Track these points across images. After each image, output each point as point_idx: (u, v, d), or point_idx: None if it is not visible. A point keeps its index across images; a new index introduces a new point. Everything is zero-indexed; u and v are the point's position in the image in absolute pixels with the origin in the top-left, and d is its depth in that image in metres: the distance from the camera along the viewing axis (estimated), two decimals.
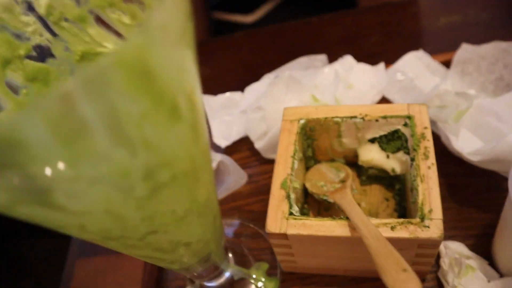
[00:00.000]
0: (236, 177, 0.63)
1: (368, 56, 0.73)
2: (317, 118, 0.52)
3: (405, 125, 0.49)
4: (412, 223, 0.41)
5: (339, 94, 0.64)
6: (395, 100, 0.67)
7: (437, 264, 0.50)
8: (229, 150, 0.69)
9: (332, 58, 0.74)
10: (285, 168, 0.48)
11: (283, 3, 1.92)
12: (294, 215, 0.44)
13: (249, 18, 1.87)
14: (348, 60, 0.70)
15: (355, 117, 0.50)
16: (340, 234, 0.42)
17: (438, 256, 0.50)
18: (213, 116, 0.70)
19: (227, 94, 0.73)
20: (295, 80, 0.60)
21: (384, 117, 0.50)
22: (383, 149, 0.52)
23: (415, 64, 0.68)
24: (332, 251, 0.46)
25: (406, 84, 0.67)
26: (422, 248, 0.42)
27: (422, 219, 0.41)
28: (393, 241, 0.41)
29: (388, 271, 0.32)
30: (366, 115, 0.50)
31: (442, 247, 0.50)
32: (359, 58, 0.71)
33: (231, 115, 0.71)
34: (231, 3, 1.90)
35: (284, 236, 0.44)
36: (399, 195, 0.54)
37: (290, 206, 0.45)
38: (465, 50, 0.66)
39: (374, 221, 0.41)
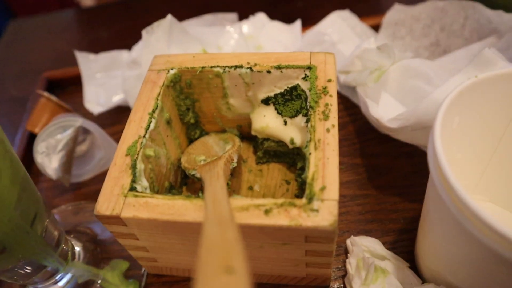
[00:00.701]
0: (108, 153, 0.49)
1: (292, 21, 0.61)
2: (192, 67, 0.38)
3: (305, 78, 0.37)
4: (295, 206, 0.28)
5: None
6: None
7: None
8: (106, 121, 0.55)
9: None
10: (137, 129, 0.35)
11: None
12: (136, 192, 0.31)
13: None
14: (260, 18, 0.57)
15: (241, 66, 0.38)
16: (194, 220, 0.29)
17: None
18: (90, 78, 0.56)
19: (112, 53, 0.58)
20: (180, 28, 0.46)
21: (278, 68, 0.37)
22: (280, 112, 0.39)
23: (340, 26, 0.56)
24: (190, 244, 0.32)
25: (327, 47, 0.55)
26: (312, 243, 0.30)
27: (310, 200, 0.28)
28: (270, 232, 0.28)
29: (203, 270, 0.19)
30: (255, 65, 0.37)
31: (349, 244, 0.38)
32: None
33: (115, 77, 0.56)
34: None
35: (118, 220, 0.30)
36: (303, 176, 0.42)
37: (134, 180, 0.32)
38: (397, 11, 0.55)
39: (242, 201, 0.29)
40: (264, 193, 0.42)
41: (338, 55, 0.53)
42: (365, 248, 0.36)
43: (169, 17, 0.45)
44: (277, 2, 0.71)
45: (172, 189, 0.39)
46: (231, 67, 0.38)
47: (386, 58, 0.42)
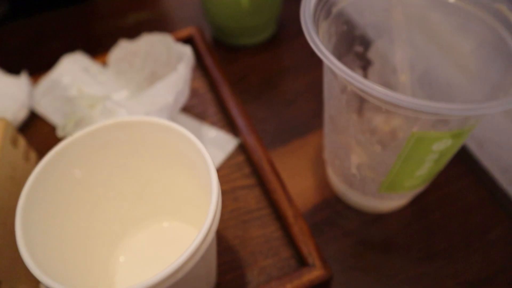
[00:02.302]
0: None
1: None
2: None
3: None
4: None
5: None
6: (49, 113, 0.58)
7: None
8: None
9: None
10: None
11: None
12: None
13: None
14: None
15: None
16: None
17: None
18: None
19: None
20: None
21: None
22: None
23: (71, 69, 0.60)
24: None
25: (59, 93, 0.58)
26: None
27: None
28: None
29: None
30: None
31: None
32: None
33: None
34: None
35: None
36: None
37: None
38: (121, 48, 0.60)
39: None
40: None
41: (70, 100, 0.57)
42: None
43: None
44: (29, 46, 0.73)
45: None
46: None
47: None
